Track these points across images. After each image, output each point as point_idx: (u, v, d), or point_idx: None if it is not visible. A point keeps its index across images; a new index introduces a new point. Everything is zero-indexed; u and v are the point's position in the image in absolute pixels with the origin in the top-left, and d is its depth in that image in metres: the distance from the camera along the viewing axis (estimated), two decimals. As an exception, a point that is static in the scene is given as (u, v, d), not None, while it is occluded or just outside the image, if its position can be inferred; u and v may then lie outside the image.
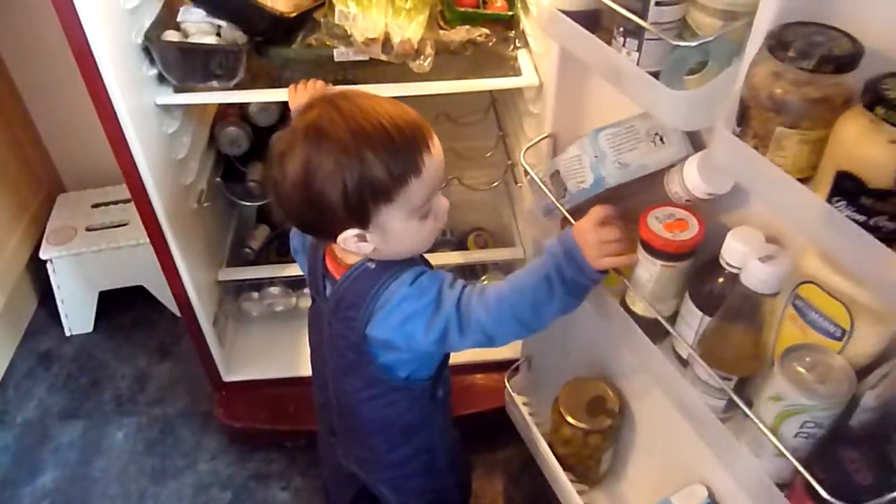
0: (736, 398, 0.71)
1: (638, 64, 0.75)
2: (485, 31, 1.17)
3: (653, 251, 0.81)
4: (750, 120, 0.61)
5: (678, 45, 0.70)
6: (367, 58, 1.13)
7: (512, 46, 1.21)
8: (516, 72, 1.18)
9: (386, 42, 1.09)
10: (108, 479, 1.45)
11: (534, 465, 1.25)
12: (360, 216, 0.78)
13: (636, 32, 0.73)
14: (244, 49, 1.09)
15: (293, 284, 1.49)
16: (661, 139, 0.82)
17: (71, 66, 0.98)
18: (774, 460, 0.70)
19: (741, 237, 0.72)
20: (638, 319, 0.87)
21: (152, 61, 1.10)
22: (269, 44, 1.13)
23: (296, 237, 1.00)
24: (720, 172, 0.74)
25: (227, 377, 1.46)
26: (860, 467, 0.63)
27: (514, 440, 1.33)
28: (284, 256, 1.51)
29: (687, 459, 0.99)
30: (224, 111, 1.40)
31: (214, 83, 1.11)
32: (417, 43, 1.10)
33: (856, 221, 0.54)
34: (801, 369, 0.66)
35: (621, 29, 0.76)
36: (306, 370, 1.44)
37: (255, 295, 1.50)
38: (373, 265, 0.84)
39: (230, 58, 1.08)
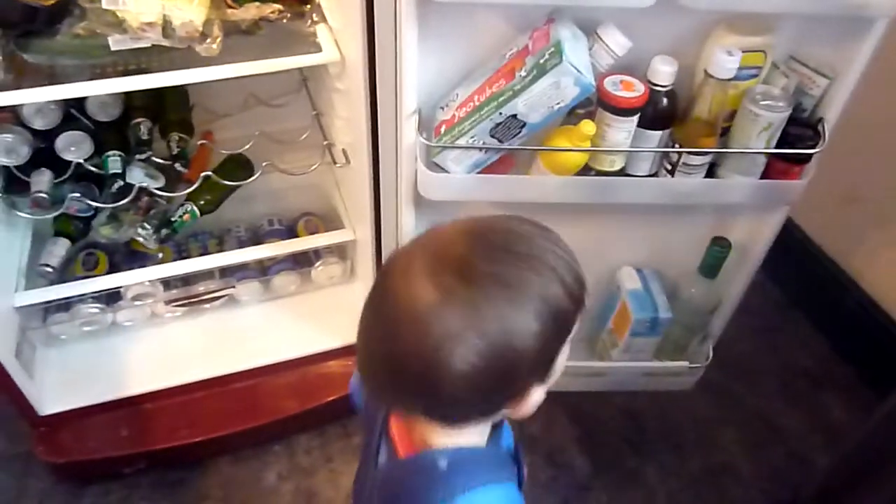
0: (730, 150, 1.03)
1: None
2: (277, 6, 1.11)
3: (630, 111, 0.96)
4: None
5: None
6: (148, 44, 1.04)
7: (309, 22, 1.16)
8: (317, 48, 1.14)
9: (166, 26, 1.01)
10: (-86, 550, 1.27)
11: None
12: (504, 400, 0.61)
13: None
14: (-4, 44, 0.96)
15: (107, 299, 1.36)
16: (585, 34, 0.96)
17: None
18: (755, 170, 1.04)
19: (666, 62, 0.95)
20: (616, 174, 1.05)
21: None
22: (29, 37, 1.00)
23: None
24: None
25: (45, 410, 1.31)
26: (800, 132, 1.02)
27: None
28: (93, 270, 1.37)
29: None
30: (-6, 117, 1.23)
31: (-35, 86, 0.97)
32: (202, 25, 1.02)
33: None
34: (760, 100, 0.97)
35: None
36: (135, 388, 1.36)
37: (65, 315, 1.35)
38: (444, 463, 0.63)
39: (-21, 56, 0.95)
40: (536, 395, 0.62)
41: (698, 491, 1.39)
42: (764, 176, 1.05)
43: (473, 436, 0.65)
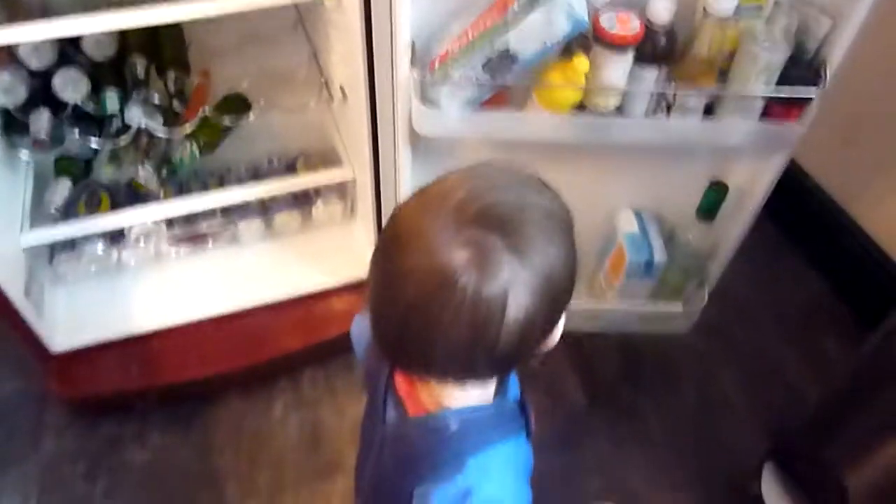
0: (725, 93, 1.01)
1: None
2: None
3: (624, 47, 0.95)
4: None
5: None
6: (138, -20, 1.02)
7: (301, -48, 1.14)
8: (310, -20, 1.12)
9: (155, -40, 0.99)
10: (-61, 482, 1.33)
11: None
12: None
13: None
14: (-16, -20, 0.94)
15: (112, 237, 1.38)
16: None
17: None
18: (754, 111, 1.02)
19: None
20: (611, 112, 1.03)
21: None
22: (18, -28, 0.99)
23: (358, 324, 0.80)
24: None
25: (56, 348, 1.35)
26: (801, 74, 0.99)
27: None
28: (96, 209, 1.39)
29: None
30: (-11, 56, 1.22)
31: (-45, 25, 0.96)
32: (192, -41, 1.01)
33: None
34: (760, 40, 0.95)
35: None
36: (143, 326, 1.39)
37: (71, 255, 1.38)
38: (455, 425, 0.62)
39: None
40: (561, 323, 0.61)
41: (694, 422, 1.43)
42: (763, 118, 1.04)
43: (483, 390, 0.64)
